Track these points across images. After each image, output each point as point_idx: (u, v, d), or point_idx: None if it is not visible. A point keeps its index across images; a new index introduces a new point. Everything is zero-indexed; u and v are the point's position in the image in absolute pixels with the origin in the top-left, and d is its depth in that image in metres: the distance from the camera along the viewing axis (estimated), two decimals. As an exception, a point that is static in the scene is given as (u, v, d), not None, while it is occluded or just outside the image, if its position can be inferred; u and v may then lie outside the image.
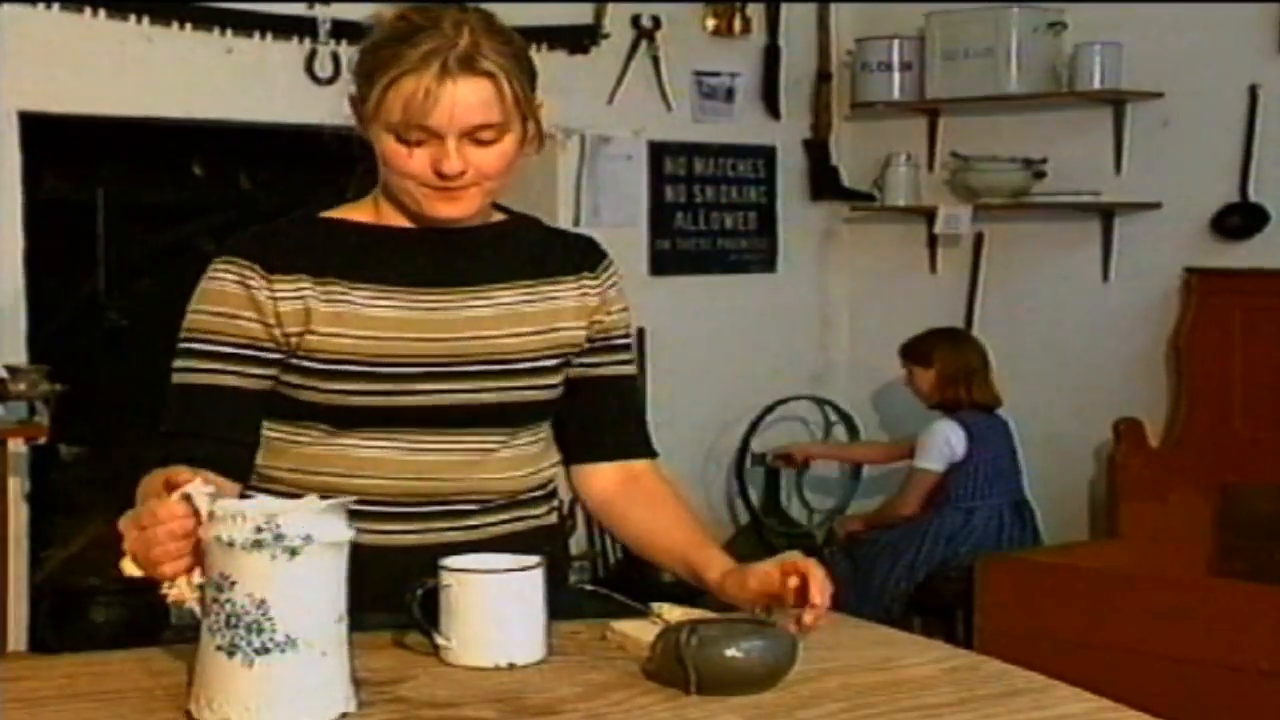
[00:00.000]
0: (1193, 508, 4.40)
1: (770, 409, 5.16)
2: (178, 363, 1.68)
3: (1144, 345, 4.66)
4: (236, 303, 1.67)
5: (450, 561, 1.60)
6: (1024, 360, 4.86)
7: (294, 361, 1.68)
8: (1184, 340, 4.55)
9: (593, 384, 1.82)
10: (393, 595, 1.59)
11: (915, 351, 4.51)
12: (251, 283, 1.67)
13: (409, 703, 1.45)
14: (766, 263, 5.23)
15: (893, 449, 4.76)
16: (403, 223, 1.73)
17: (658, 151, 4.92)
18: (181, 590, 1.41)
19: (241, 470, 1.67)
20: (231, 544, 1.36)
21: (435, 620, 1.58)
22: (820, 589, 1.66)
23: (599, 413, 1.84)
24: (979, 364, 4.46)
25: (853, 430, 5.28)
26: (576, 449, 1.84)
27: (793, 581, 1.68)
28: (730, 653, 1.46)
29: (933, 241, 5.12)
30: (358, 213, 1.74)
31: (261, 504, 1.43)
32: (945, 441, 4.37)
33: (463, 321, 1.72)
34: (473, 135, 1.65)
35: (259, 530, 1.36)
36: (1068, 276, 4.83)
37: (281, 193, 4.58)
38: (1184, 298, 4.57)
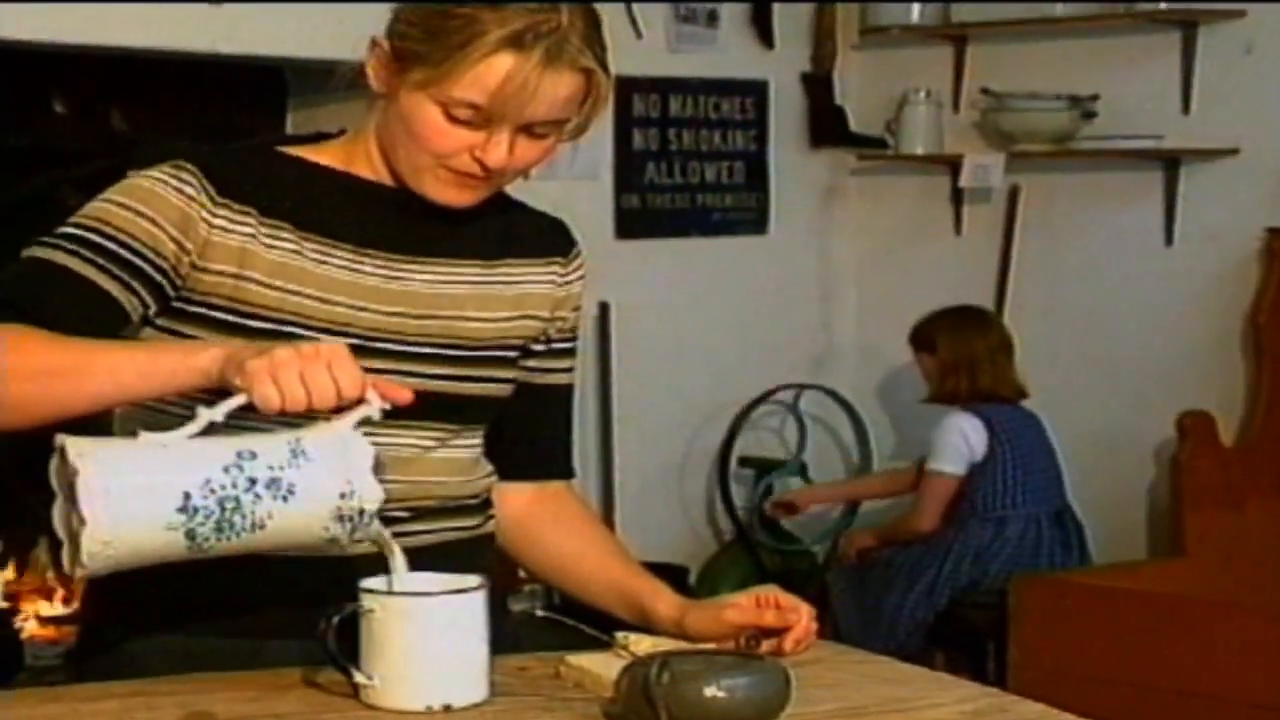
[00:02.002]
0: (1273, 519, 4.44)
1: (759, 401, 5.18)
2: (46, 239, 1.65)
3: (1215, 322, 4.69)
4: (164, 210, 1.67)
5: (373, 582, 1.60)
6: (1068, 342, 4.89)
7: (199, 312, 1.69)
8: (1264, 316, 4.57)
9: (533, 392, 1.87)
10: (302, 621, 1.59)
11: (920, 335, 4.56)
12: (192, 196, 1.68)
13: (320, 754, 1.45)
14: (756, 224, 5.25)
15: (903, 477, 4.73)
16: (371, 175, 1.76)
17: (624, 88, 4.91)
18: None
19: None
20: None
21: (354, 653, 1.59)
22: (804, 612, 1.74)
23: (533, 425, 1.89)
24: (987, 350, 4.48)
25: (859, 427, 5.30)
26: (495, 462, 1.88)
27: (769, 617, 1.74)
28: (710, 691, 1.47)
29: (957, 198, 5.15)
30: (321, 155, 1.77)
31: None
32: (961, 438, 4.40)
33: (422, 296, 1.76)
34: (530, 128, 1.69)
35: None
36: (1123, 239, 4.86)
37: (165, 134, 4.56)
38: (1264, 264, 4.60)
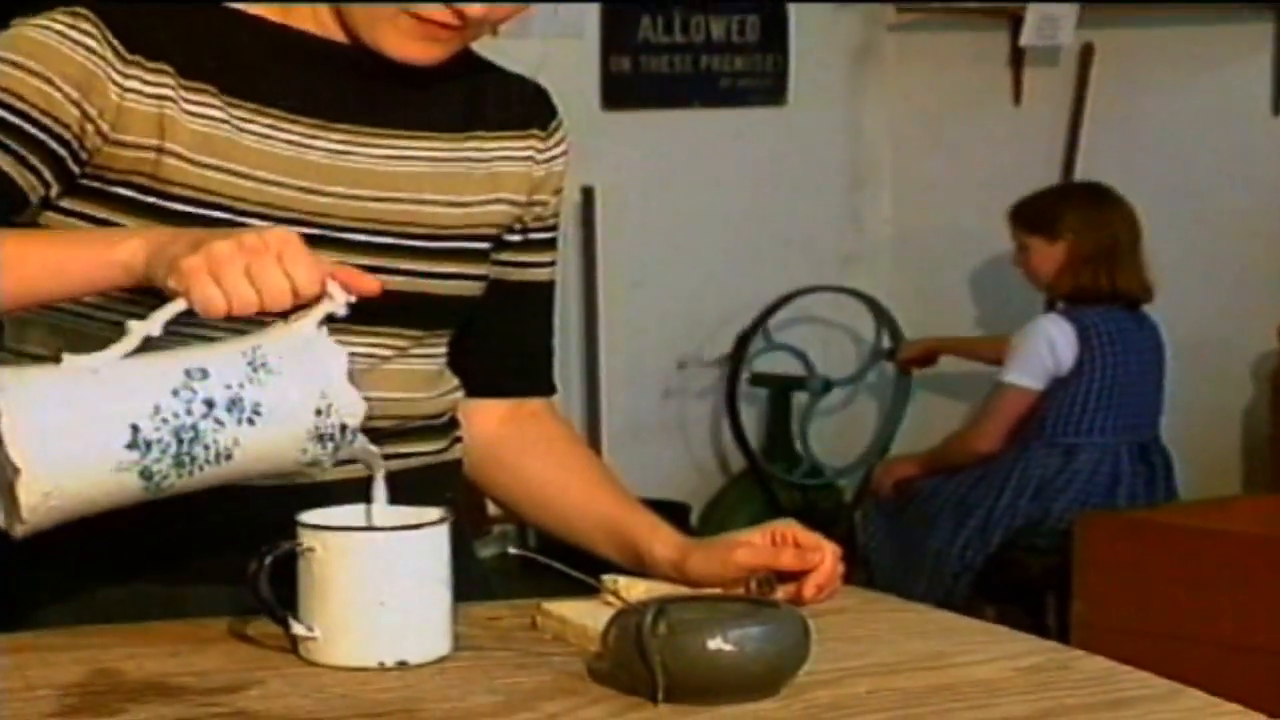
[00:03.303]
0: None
1: (775, 307, 5.20)
2: None
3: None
4: (61, 67, 1.67)
5: (313, 515, 1.61)
6: (1149, 234, 4.89)
7: (119, 192, 1.70)
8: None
9: (507, 291, 1.88)
10: (232, 563, 1.61)
11: (1034, 215, 4.54)
12: (93, 50, 1.68)
13: (252, 718, 1.47)
14: (772, 92, 5.26)
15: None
16: (314, 29, 1.76)
17: (612, -76, 4.93)
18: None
19: None
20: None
21: (292, 600, 1.60)
22: (827, 551, 1.75)
23: (507, 331, 1.91)
24: (1129, 236, 4.49)
25: (895, 339, 5.32)
26: (463, 377, 1.90)
27: (786, 557, 1.75)
28: (715, 644, 1.48)
29: (1017, 58, 5.15)
30: (252, 4, 1.77)
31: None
32: (1047, 347, 4.42)
33: (375, 175, 1.76)
34: None
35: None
36: (1221, 108, 4.86)
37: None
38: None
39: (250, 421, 1.46)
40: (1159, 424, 4.54)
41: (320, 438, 1.50)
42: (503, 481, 1.94)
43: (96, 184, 1.70)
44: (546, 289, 1.93)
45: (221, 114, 1.71)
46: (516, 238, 1.87)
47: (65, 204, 1.71)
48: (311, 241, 1.69)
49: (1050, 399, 4.41)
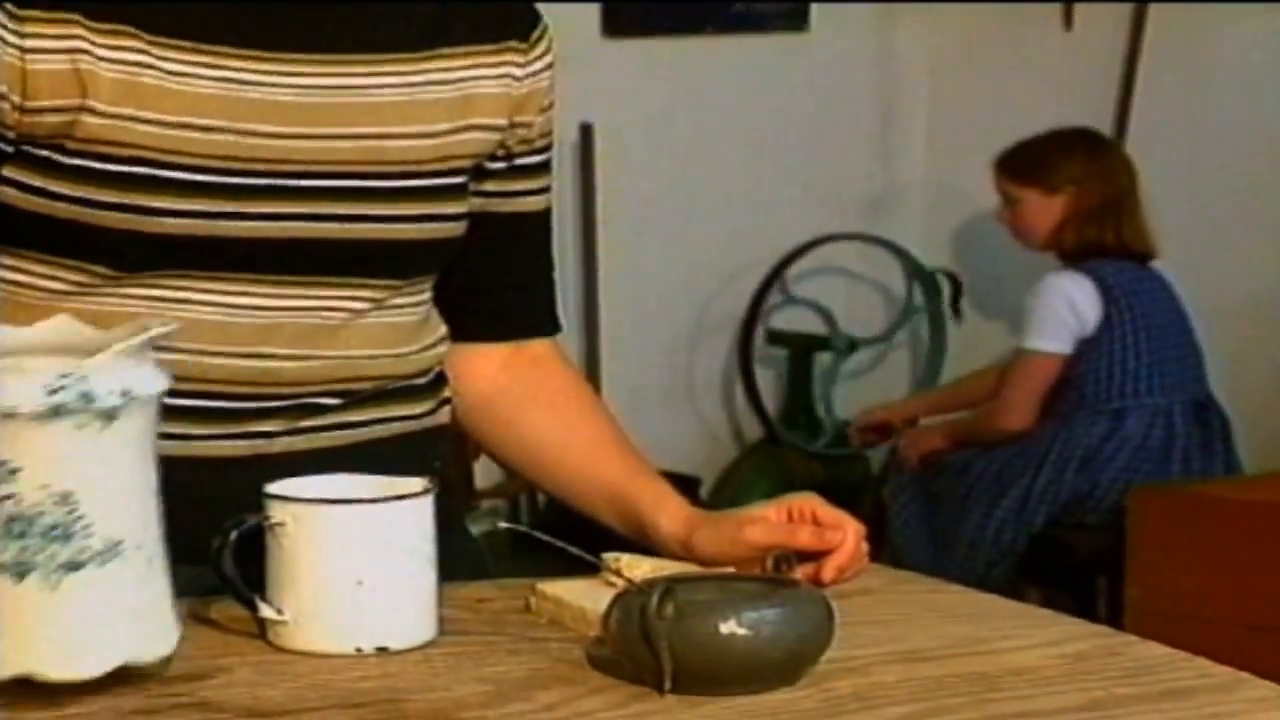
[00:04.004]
0: None
1: (795, 256, 5.20)
2: None
3: None
4: None
5: (282, 486, 1.62)
6: (1212, 180, 4.91)
7: (45, 156, 1.71)
8: None
9: (496, 224, 1.88)
10: (191, 540, 1.61)
11: (1029, 165, 4.57)
12: None
13: (216, 710, 1.47)
14: (793, 17, 5.25)
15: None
16: None
17: None
18: None
19: None
20: (12, 414, 1.42)
21: (259, 580, 1.61)
22: (849, 530, 1.76)
23: (500, 267, 1.90)
24: (1132, 186, 4.53)
25: (929, 292, 5.33)
26: (454, 320, 1.90)
27: (803, 536, 1.76)
28: (727, 628, 1.48)
29: (1067, -24, 5.14)
30: None
31: (15, 336, 1.49)
32: (1067, 306, 4.44)
33: (327, 109, 1.75)
34: None
35: (54, 390, 1.42)
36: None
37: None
38: None
39: None
40: (1205, 379, 4.55)
41: None
42: (500, 440, 1.94)
43: (28, 148, 1.71)
44: (541, 218, 1.92)
45: (144, 57, 1.70)
46: (500, 165, 1.86)
47: (5, 172, 1.72)
48: (254, 193, 1.70)
49: (1084, 362, 4.43)
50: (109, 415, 1.43)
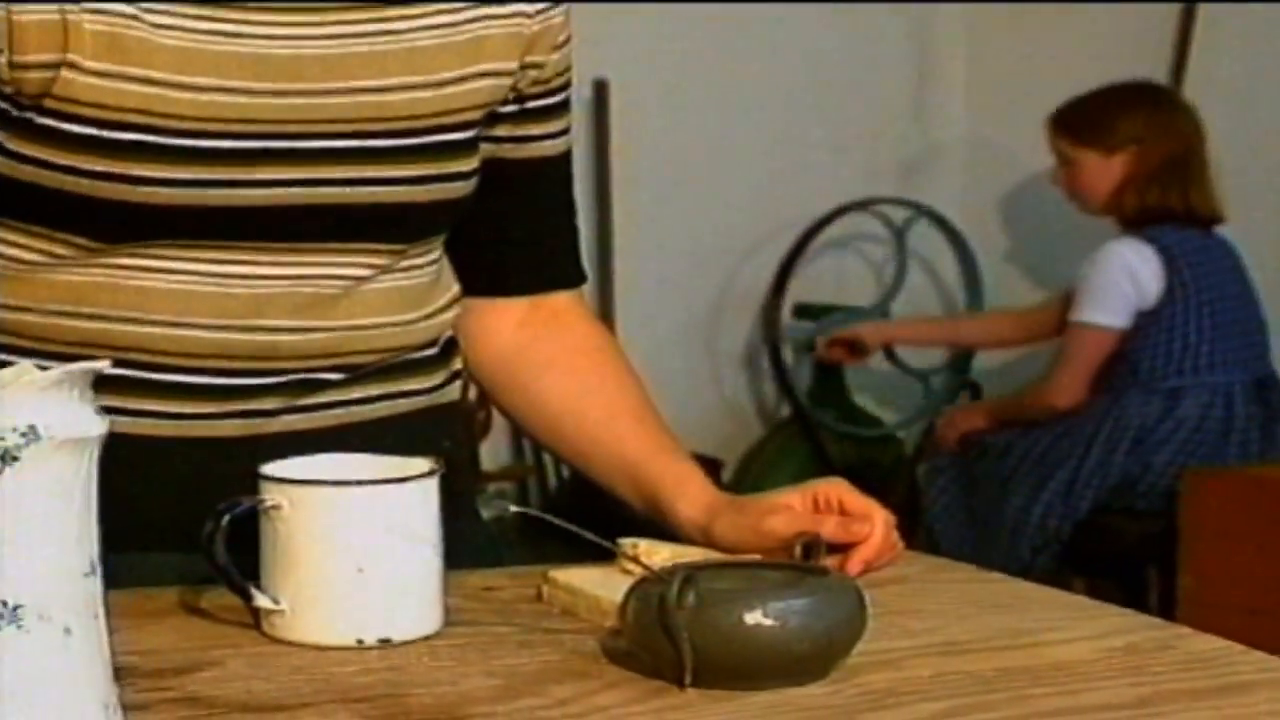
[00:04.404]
0: None
1: (824, 223, 5.20)
2: None
3: None
4: None
5: (279, 467, 1.62)
6: (1277, 136, 4.89)
7: (28, 118, 1.71)
8: None
9: (511, 170, 1.88)
10: (186, 526, 1.62)
11: (1086, 123, 4.55)
12: None
13: (207, 705, 1.47)
14: (822, -35, 5.25)
15: (1039, 316, 4.79)
16: None
17: None
18: None
19: None
20: None
21: (255, 568, 1.61)
22: (877, 520, 1.77)
23: (517, 216, 1.90)
24: (1199, 145, 4.51)
25: (966, 261, 5.33)
26: (467, 274, 1.90)
27: (829, 527, 1.77)
28: (752, 619, 1.49)
29: (1118, -78, 5.13)
30: None
31: None
32: (1127, 276, 4.44)
33: (323, 63, 1.75)
34: None
35: None
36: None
37: None
38: None
39: None
40: (1268, 355, 4.56)
41: None
42: (517, 406, 1.94)
43: (14, 111, 1.71)
44: (560, 163, 1.92)
45: (129, 7, 1.70)
46: (512, 108, 1.86)
47: (10, 146, 1.72)
48: (248, 156, 1.70)
49: (1140, 337, 4.42)
50: (11, 455, 1.33)
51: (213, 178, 1.72)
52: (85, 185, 1.71)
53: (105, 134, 1.70)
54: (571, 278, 1.96)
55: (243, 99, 1.72)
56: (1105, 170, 4.53)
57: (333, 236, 1.77)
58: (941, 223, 5.35)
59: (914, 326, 5.20)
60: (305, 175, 1.74)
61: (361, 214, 1.77)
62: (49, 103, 1.70)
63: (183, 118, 1.71)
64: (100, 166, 1.70)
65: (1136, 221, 4.50)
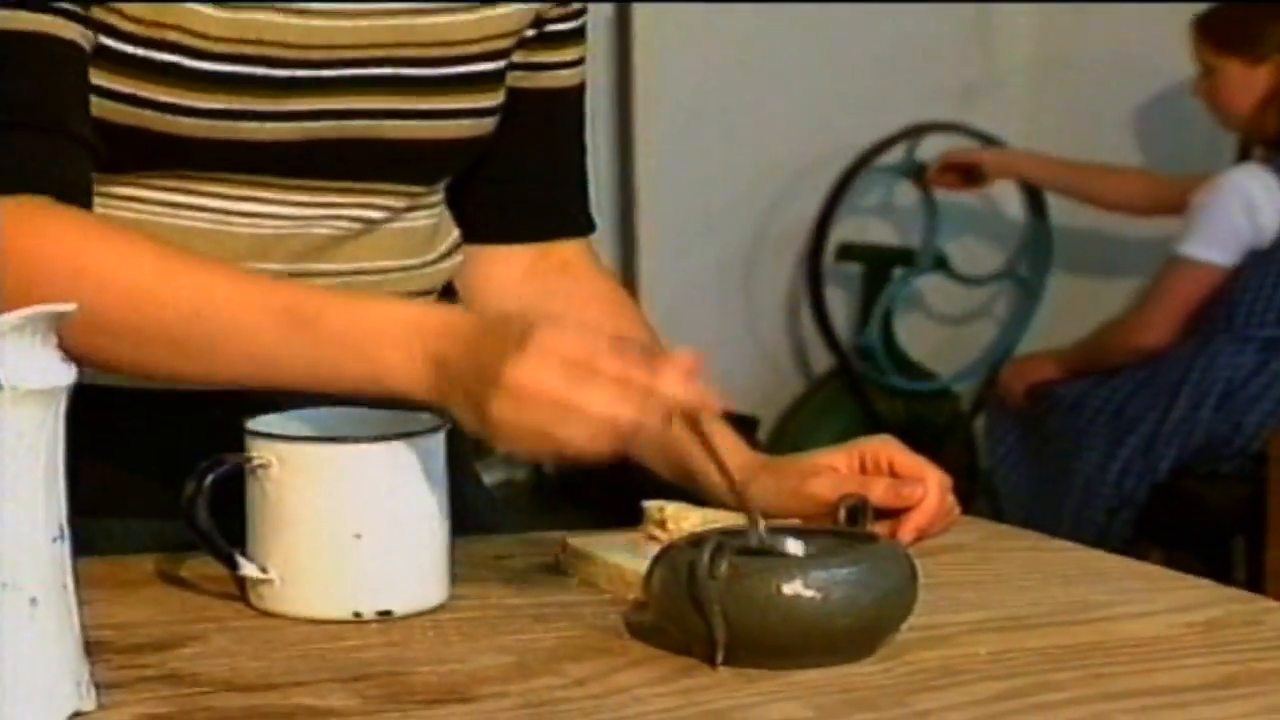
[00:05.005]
0: None
1: (872, 155, 5.20)
2: None
3: None
4: None
5: (267, 422, 1.63)
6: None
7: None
8: None
9: (521, 102, 1.89)
10: (164, 488, 1.62)
11: (1231, 29, 4.51)
12: None
13: (188, 683, 1.47)
14: None
15: (1176, 186, 4.70)
16: None
17: None
18: None
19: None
20: None
21: (241, 534, 1.61)
22: (932, 483, 1.77)
23: (524, 154, 1.93)
24: None
25: (1033, 198, 5.32)
26: (469, 220, 1.92)
27: (878, 490, 1.77)
28: (790, 590, 1.49)
29: None
30: None
31: None
32: (1243, 207, 4.40)
33: None
34: None
35: None
36: None
37: None
38: None
39: None
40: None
41: None
42: None
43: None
44: (572, 96, 1.94)
45: None
46: (531, 32, 1.88)
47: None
48: (278, 85, 1.71)
49: (1243, 277, 4.39)
50: None
51: (241, 108, 1.73)
52: (109, 109, 1.71)
53: (141, 52, 1.70)
54: (581, 225, 1.98)
55: (275, 24, 1.73)
56: (1248, 82, 4.50)
57: (353, 175, 1.78)
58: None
59: (1041, 161, 5.09)
60: (334, 106, 1.75)
61: (388, 150, 1.78)
62: (96, 12, 1.70)
63: (216, 39, 1.71)
64: (129, 89, 1.71)
65: (1277, 143, 4.46)
